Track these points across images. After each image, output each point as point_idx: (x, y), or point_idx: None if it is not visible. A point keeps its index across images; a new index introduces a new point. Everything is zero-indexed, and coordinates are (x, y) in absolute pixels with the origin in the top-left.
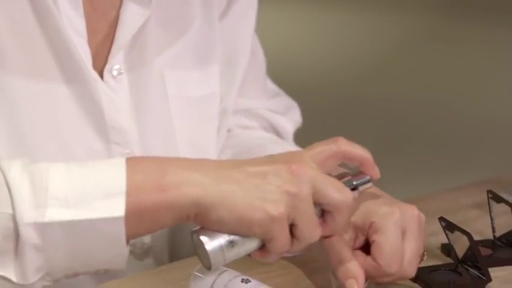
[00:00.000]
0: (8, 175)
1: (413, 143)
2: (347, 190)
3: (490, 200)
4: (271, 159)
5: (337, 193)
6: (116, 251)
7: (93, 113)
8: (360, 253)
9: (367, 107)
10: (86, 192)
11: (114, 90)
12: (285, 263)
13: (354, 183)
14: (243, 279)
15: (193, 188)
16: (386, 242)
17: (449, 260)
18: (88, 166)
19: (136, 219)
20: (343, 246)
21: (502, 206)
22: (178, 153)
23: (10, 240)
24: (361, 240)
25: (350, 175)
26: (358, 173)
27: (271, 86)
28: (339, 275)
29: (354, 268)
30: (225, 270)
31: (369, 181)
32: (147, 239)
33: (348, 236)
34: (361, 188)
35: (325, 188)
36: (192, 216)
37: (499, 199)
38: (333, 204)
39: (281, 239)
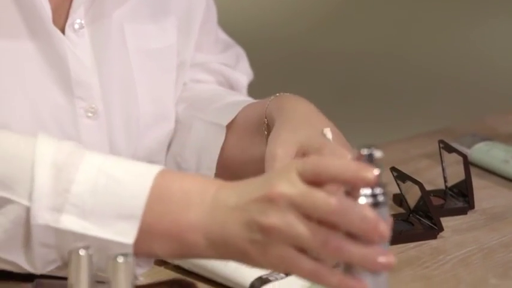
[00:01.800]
0: (37, 161)
1: (365, 94)
2: (328, 201)
3: (441, 150)
4: (261, 185)
5: (320, 205)
6: None
7: (58, 68)
8: None
9: (317, 60)
10: (104, 207)
11: (76, 44)
12: None
13: None
14: None
15: (207, 236)
16: None
17: (401, 210)
18: (113, 172)
19: (145, 246)
20: (282, 164)
21: (454, 156)
22: (138, 106)
23: (20, 229)
24: None
25: None
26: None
27: (223, 36)
28: None
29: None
30: None
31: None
32: None
33: (292, 157)
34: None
35: (307, 207)
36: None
37: (450, 149)
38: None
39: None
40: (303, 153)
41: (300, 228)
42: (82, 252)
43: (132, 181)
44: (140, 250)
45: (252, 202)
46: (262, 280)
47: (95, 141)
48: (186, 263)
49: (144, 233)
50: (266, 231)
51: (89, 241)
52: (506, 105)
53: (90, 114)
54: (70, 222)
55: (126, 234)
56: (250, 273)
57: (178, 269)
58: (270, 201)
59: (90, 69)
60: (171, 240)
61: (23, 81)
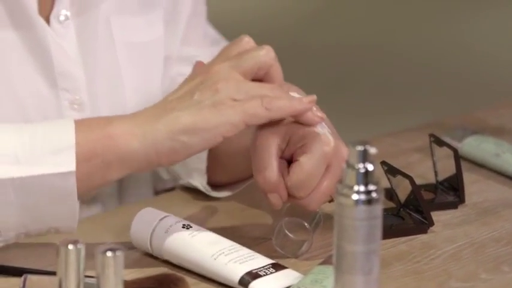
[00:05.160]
0: None
1: (355, 88)
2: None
3: (432, 143)
4: (189, 78)
5: (256, 52)
6: (67, 206)
7: (42, 58)
8: (284, 166)
9: (307, 53)
10: (36, 148)
11: (62, 36)
12: (227, 209)
13: None
14: (184, 224)
15: (141, 131)
16: (307, 166)
17: (391, 205)
18: (36, 125)
19: (88, 169)
20: (269, 151)
21: (444, 150)
22: (125, 99)
23: None
24: (286, 155)
25: None
26: None
27: (211, 32)
28: (260, 183)
29: (275, 178)
30: (167, 216)
31: None
32: None
33: (278, 143)
34: None
35: (243, 61)
36: (155, 159)
37: (441, 143)
38: (260, 64)
39: (251, 116)
40: (288, 139)
41: (240, 77)
42: (71, 246)
43: (52, 122)
44: (82, 180)
45: (193, 83)
46: (252, 275)
47: None
48: (176, 258)
49: (82, 156)
50: (209, 77)
51: (29, 185)
52: (497, 98)
53: (75, 106)
54: (6, 170)
55: (65, 163)
56: (240, 269)
57: (167, 264)
58: (209, 74)
59: (75, 60)
60: (108, 154)
61: (6, 71)
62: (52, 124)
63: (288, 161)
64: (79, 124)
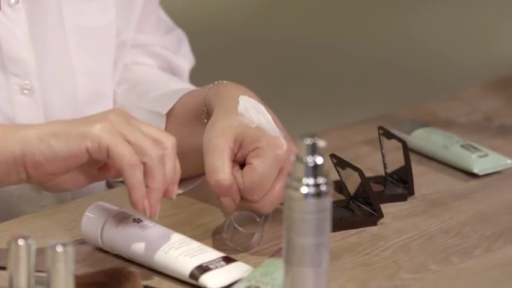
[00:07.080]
0: None
1: (305, 81)
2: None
3: (381, 136)
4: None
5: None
6: None
7: None
8: (237, 169)
9: (257, 47)
10: None
11: (12, 20)
12: (177, 203)
13: None
14: (134, 218)
15: (14, 131)
16: (260, 169)
17: (341, 197)
18: None
19: None
20: (222, 154)
21: (393, 142)
22: (75, 84)
23: None
24: (239, 159)
25: None
26: None
27: (165, 18)
28: (213, 186)
29: (228, 182)
30: (117, 210)
31: None
32: None
33: (230, 147)
34: None
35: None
36: (20, 161)
37: (390, 135)
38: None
39: (118, 144)
40: (240, 142)
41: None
42: (21, 242)
43: None
44: None
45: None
46: (202, 268)
47: (30, 118)
48: (127, 252)
49: None
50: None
51: None
52: (445, 91)
53: (26, 91)
54: None
55: None
56: (190, 262)
57: (118, 258)
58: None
59: (25, 45)
60: None
61: None
62: None
63: (241, 164)
64: None
